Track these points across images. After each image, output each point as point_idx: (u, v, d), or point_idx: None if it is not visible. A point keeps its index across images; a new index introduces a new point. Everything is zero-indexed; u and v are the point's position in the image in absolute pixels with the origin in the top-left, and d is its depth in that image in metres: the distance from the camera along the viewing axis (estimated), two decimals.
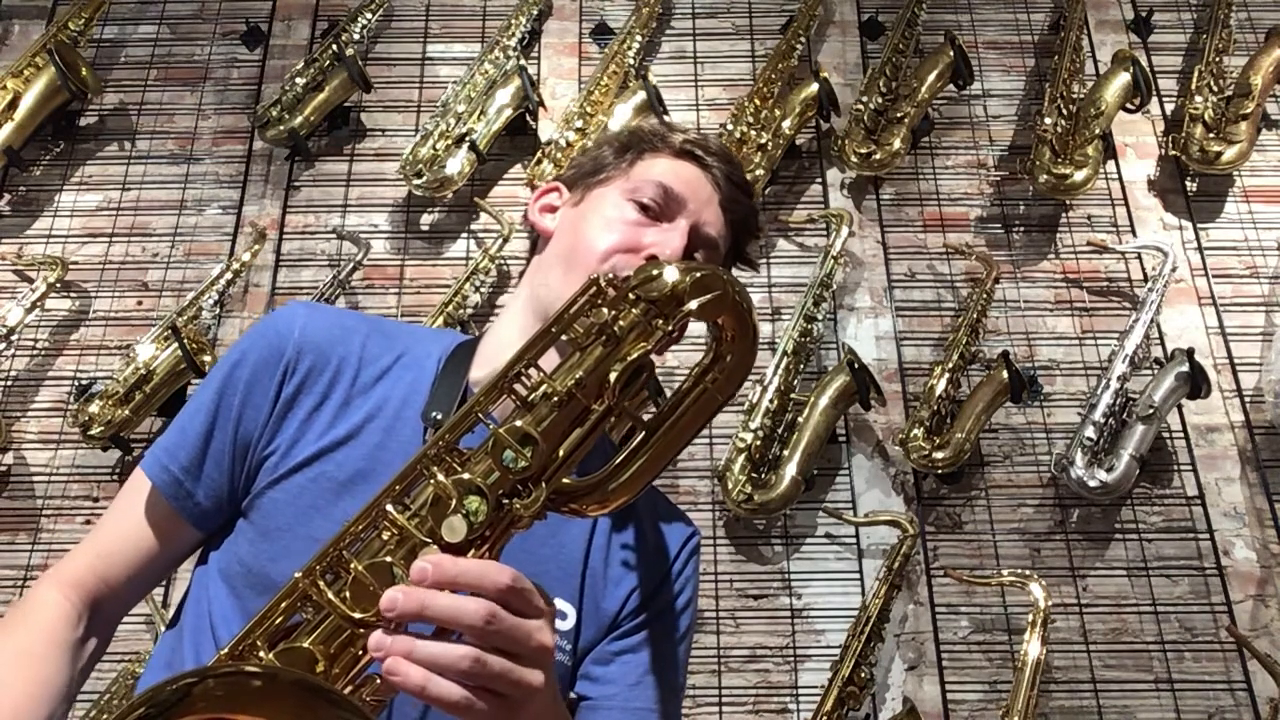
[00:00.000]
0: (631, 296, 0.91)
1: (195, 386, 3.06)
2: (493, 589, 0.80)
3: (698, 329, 0.96)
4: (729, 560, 3.05)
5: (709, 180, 1.25)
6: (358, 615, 0.80)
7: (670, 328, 0.91)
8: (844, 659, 2.76)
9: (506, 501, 0.84)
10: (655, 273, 0.91)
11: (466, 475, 0.84)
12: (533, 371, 0.91)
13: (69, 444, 3.15)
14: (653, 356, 0.92)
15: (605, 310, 0.91)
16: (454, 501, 0.83)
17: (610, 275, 0.93)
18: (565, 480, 0.88)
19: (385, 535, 0.84)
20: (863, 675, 2.74)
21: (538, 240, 1.31)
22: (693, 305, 0.90)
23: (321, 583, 0.83)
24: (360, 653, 0.81)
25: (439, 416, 1.11)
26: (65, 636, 1.07)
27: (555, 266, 1.22)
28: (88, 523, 3.06)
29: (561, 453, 0.87)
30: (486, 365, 1.18)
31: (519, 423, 0.86)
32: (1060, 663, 2.91)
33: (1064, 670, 2.91)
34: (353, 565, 0.82)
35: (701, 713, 2.89)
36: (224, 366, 1.16)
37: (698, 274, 0.92)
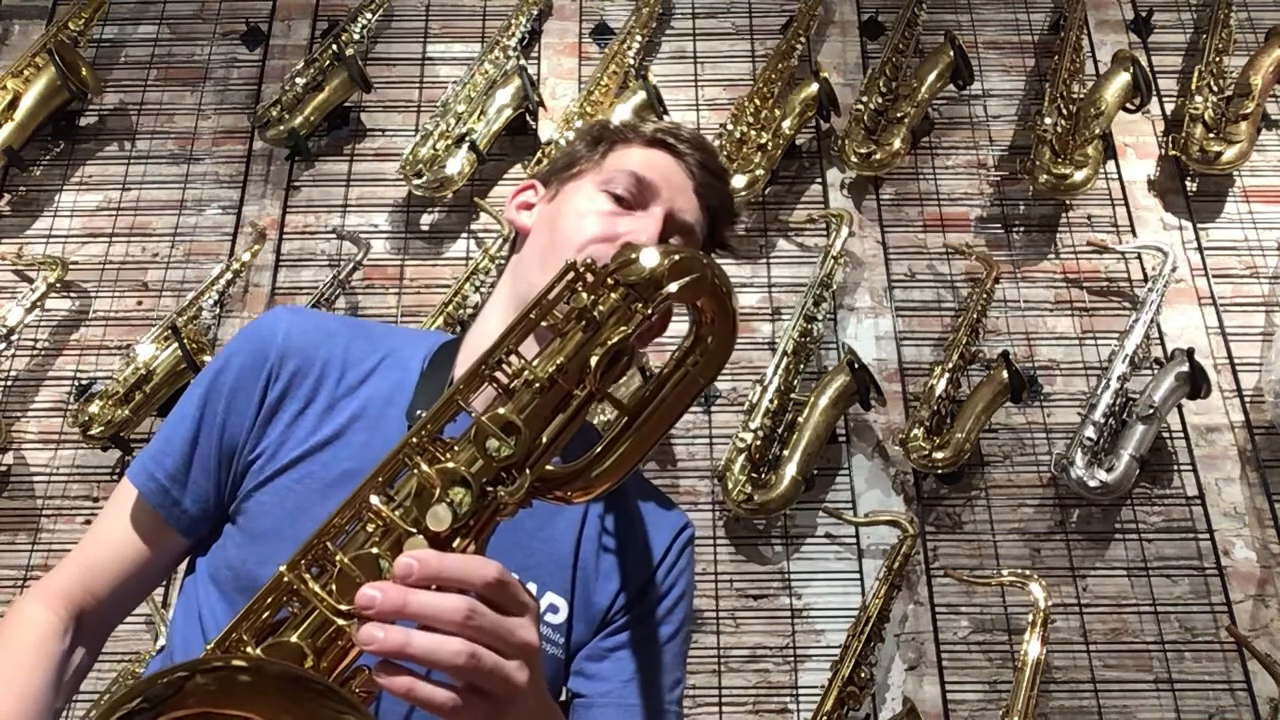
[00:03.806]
0: (610, 281, 0.91)
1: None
2: (479, 582, 0.79)
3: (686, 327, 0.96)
4: (729, 560, 3.05)
5: (682, 168, 1.25)
6: (344, 608, 0.80)
7: (650, 311, 0.91)
8: (844, 659, 2.75)
9: (491, 490, 0.83)
10: (633, 256, 0.91)
11: (450, 464, 0.83)
12: (513, 359, 0.90)
13: (69, 444, 3.15)
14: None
15: (584, 295, 0.90)
16: (438, 491, 0.82)
17: (589, 260, 0.93)
18: (549, 467, 0.88)
19: (370, 527, 0.84)
20: (863, 675, 2.74)
21: (516, 238, 1.31)
22: (672, 288, 0.90)
23: (307, 576, 0.82)
24: (348, 645, 0.80)
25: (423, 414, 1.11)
26: (52, 649, 1.08)
27: (533, 262, 1.22)
28: (87, 523, 3.06)
29: (544, 439, 0.87)
30: (470, 362, 1.17)
31: (501, 410, 0.85)
32: (1060, 663, 2.90)
33: (1064, 670, 2.90)
34: (338, 558, 0.82)
35: (701, 713, 2.89)
36: (208, 373, 1.16)
37: (676, 256, 0.92)
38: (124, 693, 0.67)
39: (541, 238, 1.24)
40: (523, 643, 0.81)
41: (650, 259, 0.90)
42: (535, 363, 0.89)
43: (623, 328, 0.90)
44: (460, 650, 0.77)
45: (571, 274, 0.92)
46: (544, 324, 0.92)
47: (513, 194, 1.33)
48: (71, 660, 1.10)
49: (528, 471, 0.85)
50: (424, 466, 0.84)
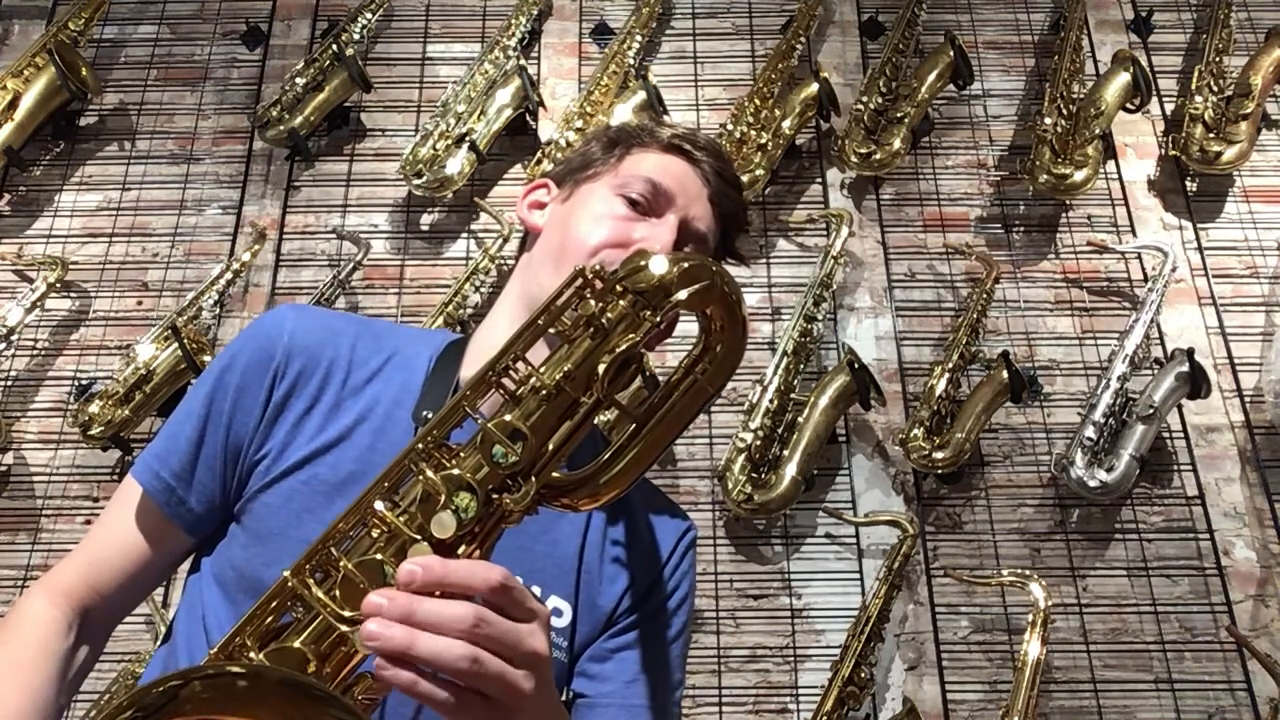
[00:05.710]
0: (619, 288, 0.90)
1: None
2: (484, 587, 0.78)
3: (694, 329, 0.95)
4: (729, 560, 3.05)
5: (698, 175, 1.25)
6: (348, 614, 0.79)
7: (659, 319, 0.90)
8: (844, 659, 2.75)
9: (496, 497, 0.83)
10: (642, 263, 0.90)
11: (455, 471, 0.83)
12: (521, 365, 0.90)
13: (69, 444, 3.15)
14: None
15: (593, 302, 0.90)
16: (443, 498, 0.82)
17: (598, 267, 0.92)
18: (555, 474, 0.87)
19: (374, 533, 0.83)
20: (863, 675, 2.74)
21: (527, 237, 1.31)
22: (681, 295, 0.89)
23: (311, 581, 0.82)
24: (351, 652, 0.80)
25: (430, 416, 1.10)
26: (56, 646, 1.07)
27: (545, 263, 1.21)
28: (87, 523, 3.06)
29: (551, 446, 0.86)
30: (477, 363, 1.16)
31: (508, 417, 0.85)
32: (1060, 663, 2.91)
33: (1064, 670, 2.90)
34: (342, 563, 0.81)
35: (701, 713, 2.89)
36: (213, 371, 1.15)
37: (685, 264, 0.91)
38: (118, 702, 0.67)
39: (553, 238, 1.23)
40: (530, 650, 0.80)
41: (659, 266, 0.90)
42: (543, 369, 0.88)
43: (631, 335, 0.89)
44: (464, 654, 0.76)
45: (580, 280, 0.92)
46: (552, 330, 0.91)
47: (524, 192, 1.33)
48: (75, 657, 1.10)
49: (534, 479, 0.84)
50: (429, 472, 0.84)
